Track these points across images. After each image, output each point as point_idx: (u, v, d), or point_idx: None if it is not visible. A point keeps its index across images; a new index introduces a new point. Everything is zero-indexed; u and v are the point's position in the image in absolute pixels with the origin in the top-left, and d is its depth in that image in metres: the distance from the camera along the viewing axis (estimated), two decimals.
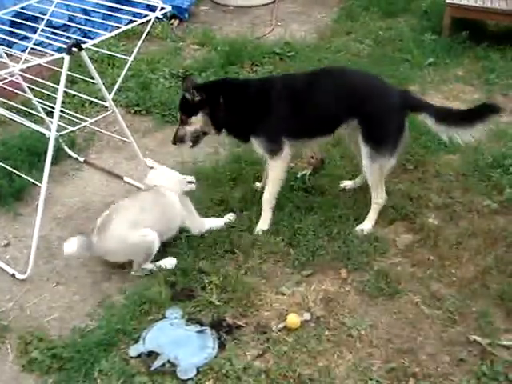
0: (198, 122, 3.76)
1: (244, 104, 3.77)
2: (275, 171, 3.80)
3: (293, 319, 3.20)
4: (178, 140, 3.84)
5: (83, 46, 3.45)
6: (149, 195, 3.69)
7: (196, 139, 3.84)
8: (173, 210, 3.66)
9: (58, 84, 3.47)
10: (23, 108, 4.34)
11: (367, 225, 3.85)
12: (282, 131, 3.74)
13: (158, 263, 3.54)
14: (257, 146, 3.78)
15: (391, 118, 3.71)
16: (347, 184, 4.22)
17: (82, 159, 4.67)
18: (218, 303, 3.31)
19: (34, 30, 4.31)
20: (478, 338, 3.12)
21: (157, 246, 3.52)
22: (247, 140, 3.82)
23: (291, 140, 3.78)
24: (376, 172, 3.75)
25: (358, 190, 4.11)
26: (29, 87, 4.30)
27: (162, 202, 3.64)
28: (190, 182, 3.85)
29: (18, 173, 4.00)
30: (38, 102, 4.35)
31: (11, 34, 4.37)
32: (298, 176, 4.26)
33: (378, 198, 3.85)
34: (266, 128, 3.72)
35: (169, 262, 3.56)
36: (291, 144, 3.78)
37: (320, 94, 3.70)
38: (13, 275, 3.57)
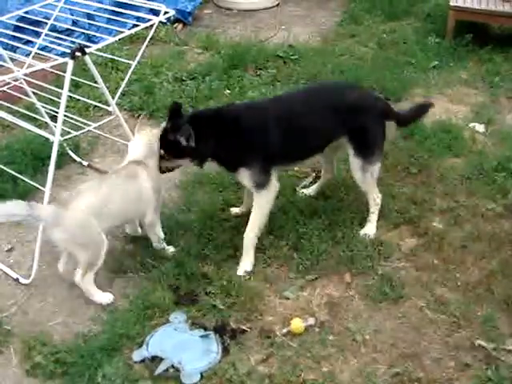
0: (182, 162, 3.58)
1: (234, 136, 3.50)
2: (262, 206, 3.58)
3: (297, 324, 3.19)
4: (163, 171, 3.60)
5: (87, 50, 3.45)
6: (119, 181, 3.46)
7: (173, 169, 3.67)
8: (141, 198, 3.48)
9: (62, 88, 3.48)
10: (27, 112, 4.34)
11: (371, 228, 3.85)
12: (271, 161, 3.57)
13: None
14: (244, 178, 3.56)
15: (378, 126, 3.75)
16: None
17: (85, 163, 4.67)
18: (221, 307, 3.30)
19: (37, 35, 4.32)
20: (483, 343, 3.10)
21: (104, 250, 3.35)
22: (234, 171, 3.60)
23: (281, 166, 3.74)
24: (369, 180, 3.79)
25: (361, 193, 4.08)
26: (33, 92, 4.31)
27: (131, 189, 3.46)
28: None
29: (21, 177, 4.00)
30: (42, 106, 4.35)
31: (15, 38, 4.38)
32: (299, 190, 4.25)
33: (376, 199, 3.86)
34: (255, 158, 3.52)
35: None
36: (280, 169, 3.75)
37: (310, 118, 3.59)
38: (16, 280, 3.57)
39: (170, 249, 3.67)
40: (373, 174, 3.78)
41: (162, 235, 3.67)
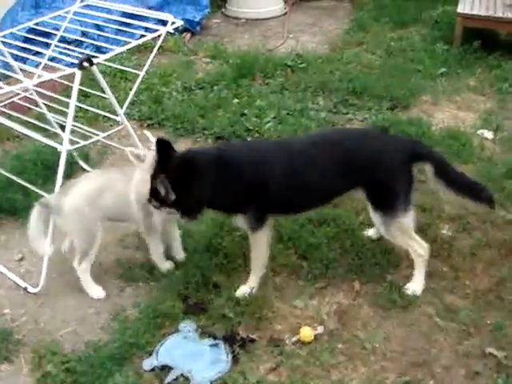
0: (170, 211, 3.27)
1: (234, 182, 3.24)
2: (259, 247, 3.44)
3: (306, 332, 3.19)
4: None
5: (94, 61, 3.48)
6: (117, 180, 3.52)
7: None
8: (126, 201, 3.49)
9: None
10: (37, 123, 4.37)
11: (417, 284, 3.47)
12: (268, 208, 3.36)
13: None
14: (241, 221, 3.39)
15: (399, 179, 3.37)
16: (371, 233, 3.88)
17: None
18: (231, 316, 3.30)
19: (47, 46, 4.36)
20: (494, 351, 3.09)
21: (98, 239, 3.50)
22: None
23: (280, 216, 3.57)
24: (396, 233, 3.42)
25: None
26: (42, 102, 4.34)
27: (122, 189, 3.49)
28: None
29: (32, 187, 4.02)
30: (52, 116, 4.38)
31: (25, 49, 4.41)
32: None
33: (418, 250, 3.45)
34: (254, 206, 3.29)
35: None
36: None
37: (317, 168, 3.31)
38: (25, 289, 3.59)
39: (166, 265, 3.64)
40: (401, 228, 3.40)
41: (158, 252, 3.62)
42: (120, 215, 3.61)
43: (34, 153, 4.64)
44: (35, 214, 3.45)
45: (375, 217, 3.41)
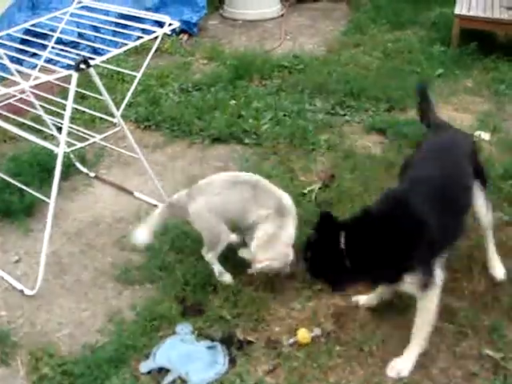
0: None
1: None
2: (429, 309, 3.00)
3: (303, 334, 3.18)
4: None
5: (91, 62, 3.47)
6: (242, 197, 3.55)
7: None
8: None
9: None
10: (34, 124, 4.36)
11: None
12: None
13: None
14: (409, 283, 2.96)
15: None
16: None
17: (92, 174, 4.69)
18: (228, 318, 3.30)
19: (44, 47, 4.35)
20: (491, 352, 3.08)
21: (225, 240, 3.56)
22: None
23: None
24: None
25: (369, 201, 4.06)
26: (39, 104, 4.33)
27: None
28: None
29: (28, 189, 4.01)
30: (49, 118, 4.37)
31: (21, 51, 4.41)
32: (306, 192, 4.24)
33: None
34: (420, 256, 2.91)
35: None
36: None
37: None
38: (21, 291, 3.58)
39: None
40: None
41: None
42: (234, 228, 3.66)
43: (31, 155, 4.63)
44: (159, 212, 3.66)
45: (482, 203, 3.45)
